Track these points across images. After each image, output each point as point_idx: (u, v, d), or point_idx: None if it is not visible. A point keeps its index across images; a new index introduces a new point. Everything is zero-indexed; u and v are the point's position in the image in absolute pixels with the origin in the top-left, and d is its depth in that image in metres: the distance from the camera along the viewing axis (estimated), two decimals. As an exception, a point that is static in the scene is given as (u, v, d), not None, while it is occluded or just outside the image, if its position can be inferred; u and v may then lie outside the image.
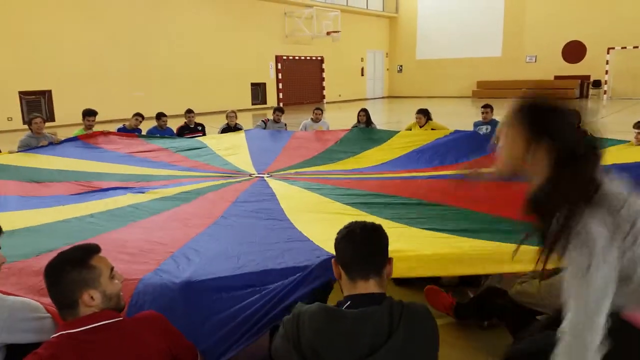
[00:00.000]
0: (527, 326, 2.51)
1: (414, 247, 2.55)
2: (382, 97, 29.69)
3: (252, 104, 21.88)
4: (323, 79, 25.65)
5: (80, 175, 5.24)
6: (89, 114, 7.40)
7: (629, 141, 4.57)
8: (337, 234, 1.85)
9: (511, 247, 2.73)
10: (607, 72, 23.07)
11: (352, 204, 3.88)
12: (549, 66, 24.69)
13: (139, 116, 8.20)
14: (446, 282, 3.41)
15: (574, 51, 24.17)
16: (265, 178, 5.01)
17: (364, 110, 8.27)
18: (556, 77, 24.64)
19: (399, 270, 2.06)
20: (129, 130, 7.89)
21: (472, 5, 26.52)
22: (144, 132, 8.11)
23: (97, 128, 7.39)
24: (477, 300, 2.96)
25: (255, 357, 2.39)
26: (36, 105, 15.02)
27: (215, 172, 5.50)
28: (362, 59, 28.13)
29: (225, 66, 20.11)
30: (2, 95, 14.27)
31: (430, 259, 2.47)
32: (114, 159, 5.99)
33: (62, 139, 6.75)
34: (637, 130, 4.49)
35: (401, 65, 29.97)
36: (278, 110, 9.05)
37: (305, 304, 1.83)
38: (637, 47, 22.10)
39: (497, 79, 25.93)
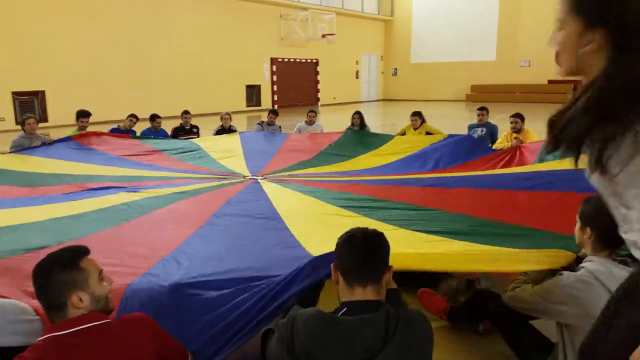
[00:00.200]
0: (520, 331, 2.52)
1: (404, 247, 2.57)
2: (377, 100, 29.73)
3: (247, 106, 21.86)
4: (318, 82, 25.66)
5: (73, 178, 5.22)
6: (83, 115, 7.37)
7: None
8: (339, 238, 1.84)
9: (503, 248, 2.74)
10: (600, 76, 23.21)
11: (345, 207, 3.88)
12: (542, 70, 24.78)
13: (133, 117, 8.17)
14: (446, 290, 3.37)
15: (567, 56, 24.30)
16: (259, 180, 5.00)
17: (358, 113, 8.28)
18: (550, 82, 24.76)
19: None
20: (123, 132, 7.86)
21: (467, 10, 26.64)
22: (138, 134, 8.09)
23: (91, 129, 7.37)
24: (470, 304, 2.95)
25: (246, 359, 2.38)
26: (29, 105, 14.93)
27: (209, 174, 5.49)
28: (357, 62, 28.17)
29: (221, 68, 20.08)
30: (-6, 96, 14.19)
31: (420, 256, 2.48)
32: (106, 161, 5.97)
33: (55, 139, 6.71)
34: None
35: (396, 69, 30.04)
36: (272, 112, 9.05)
37: (300, 306, 1.82)
38: (629, 52, 22.25)
39: (491, 83, 26.06)
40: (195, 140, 7.18)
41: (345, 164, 6.03)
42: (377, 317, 1.66)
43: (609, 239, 2.15)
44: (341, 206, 3.92)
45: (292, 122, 11.33)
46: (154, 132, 8.33)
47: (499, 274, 3.51)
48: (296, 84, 24.20)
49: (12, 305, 2.03)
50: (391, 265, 1.81)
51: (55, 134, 7.46)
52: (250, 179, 5.13)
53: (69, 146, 6.44)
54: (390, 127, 13.60)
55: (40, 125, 7.71)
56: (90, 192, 4.58)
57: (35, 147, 6.24)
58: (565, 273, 2.13)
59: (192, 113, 9.07)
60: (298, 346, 1.67)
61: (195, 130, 8.92)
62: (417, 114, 7.81)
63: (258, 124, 8.94)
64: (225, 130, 8.53)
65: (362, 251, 1.76)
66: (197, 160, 6.20)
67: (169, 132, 8.68)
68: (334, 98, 26.09)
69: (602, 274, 2.02)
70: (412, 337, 1.66)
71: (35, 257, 2.85)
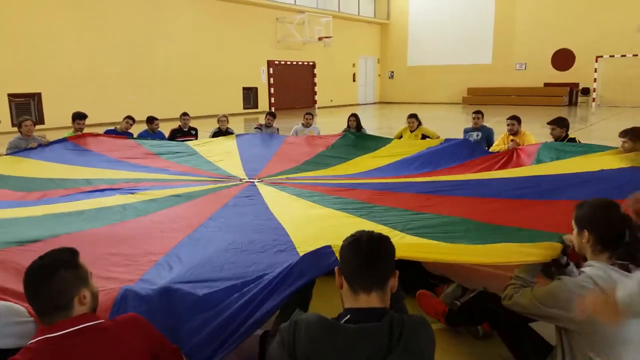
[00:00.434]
0: (519, 334, 2.52)
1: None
2: (374, 103, 29.78)
3: (244, 108, 21.86)
4: (315, 84, 25.69)
5: (70, 183, 5.20)
6: (79, 117, 7.36)
7: (617, 147, 4.61)
8: (343, 241, 1.79)
9: (501, 245, 2.76)
10: (595, 80, 23.32)
11: (341, 210, 3.88)
12: (538, 73, 24.92)
13: (129, 119, 8.14)
14: (444, 296, 3.36)
15: (563, 59, 24.43)
16: (256, 183, 4.99)
17: (354, 116, 8.29)
18: (546, 85, 24.88)
19: None
20: (120, 133, 7.84)
21: (463, 13, 26.73)
22: (135, 135, 8.07)
23: (88, 131, 7.35)
24: (468, 306, 2.95)
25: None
26: (25, 107, 14.90)
27: (205, 177, 5.48)
28: (353, 65, 28.22)
29: (218, 70, 20.08)
30: (-10, 98, 14.15)
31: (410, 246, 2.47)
32: (102, 163, 5.96)
33: (51, 140, 6.69)
34: (623, 139, 4.53)
35: (392, 72, 30.11)
36: (270, 114, 9.05)
37: (299, 309, 1.80)
38: (624, 55, 22.38)
39: (487, 86, 26.14)
40: (192, 145, 7.13)
41: (341, 166, 6.03)
42: (381, 326, 1.63)
43: (607, 240, 2.15)
44: (337, 209, 3.92)
45: (289, 125, 11.33)
46: (151, 134, 8.31)
47: (492, 275, 3.53)
48: (293, 86, 24.22)
49: (5, 308, 2.02)
50: (397, 270, 1.76)
51: (51, 136, 7.44)
52: (247, 181, 5.12)
53: (65, 147, 6.43)
54: (387, 130, 13.64)
55: (37, 127, 7.68)
56: (87, 194, 4.57)
57: (31, 148, 6.23)
58: (564, 278, 2.13)
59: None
60: (299, 351, 1.65)
61: (193, 132, 8.91)
62: (413, 116, 7.83)
63: (256, 127, 8.92)
64: (222, 132, 8.52)
65: (367, 256, 1.71)
66: (194, 162, 6.18)
67: (167, 134, 8.67)
68: (331, 100, 26.12)
69: (601, 279, 2.02)
70: (415, 345, 1.64)
71: (28, 250, 2.87)
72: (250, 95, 22.32)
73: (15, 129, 6.88)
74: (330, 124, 14.48)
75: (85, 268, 1.80)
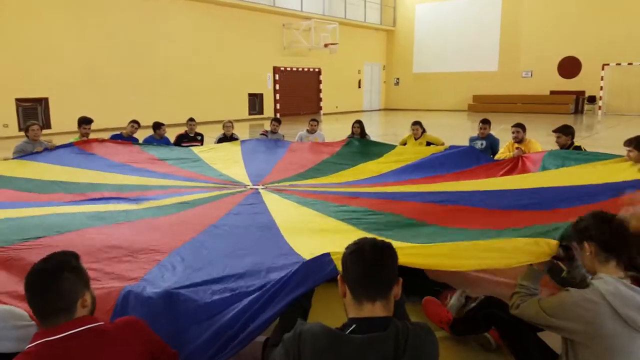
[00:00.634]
0: (525, 341, 2.50)
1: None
2: (379, 110, 29.80)
3: (249, 114, 21.93)
4: (320, 91, 25.74)
5: (76, 187, 5.23)
6: (85, 122, 7.40)
7: (623, 156, 4.59)
8: (346, 249, 1.77)
9: (496, 244, 2.77)
10: (601, 87, 23.25)
11: (344, 220, 3.86)
12: (544, 81, 24.88)
13: (135, 123, 8.17)
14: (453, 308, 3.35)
15: (569, 67, 24.39)
16: (260, 190, 4.99)
17: (359, 122, 8.29)
18: (552, 92, 24.83)
19: None
20: (125, 138, 7.88)
21: (469, 20, 26.76)
22: (140, 141, 8.10)
23: (94, 136, 7.39)
24: (472, 312, 2.93)
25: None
26: (32, 112, 15.00)
27: (210, 183, 5.49)
28: (359, 72, 28.27)
29: (224, 76, 20.17)
30: (-2, 102, 14.26)
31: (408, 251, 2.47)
32: (109, 168, 5.98)
33: (57, 145, 6.74)
34: (627, 148, 4.51)
35: (398, 78, 30.14)
36: (275, 120, 9.07)
37: (294, 314, 1.79)
38: (631, 63, 22.31)
39: (493, 93, 26.11)
40: (196, 151, 7.14)
41: (345, 172, 6.02)
42: (387, 336, 1.62)
43: (609, 246, 2.14)
44: (341, 219, 3.90)
45: (294, 131, 11.36)
46: (157, 139, 8.35)
47: (493, 282, 3.52)
48: (299, 92, 24.28)
49: (6, 312, 2.03)
50: (400, 278, 1.75)
51: (58, 141, 7.49)
52: (251, 188, 5.13)
53: (71, 152, 6.46)
54: (392, 137, 13.63)
55: (44, 131, 7.75)
56: (92, 202, 4.60)
57: (37, 152, 6.28)
58: (572, 289, 2.12)
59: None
60: None
61: (199, 137, 8.93)
62: (417, 124, 7.83)
63: (262, 134, 8.94)
64: (227, 138, 8.55)
65: (370, 264, 1.69)
66: (198, 168, 6.20)
67: (173, 139, 8.71)
68: (336, 107, 26.16)
69: (610, 294, 2.00)
70: (420, 353, 1.63)
71: (33, 246, 2.89)
72: (255, 101, 22.40)
73: (23, 133, 6.93)
74: (335, 131, 14.49)
75: (86, 271, 1.81)
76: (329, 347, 1.62)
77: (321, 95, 25.76)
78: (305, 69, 24.68)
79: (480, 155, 6.26)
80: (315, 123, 8.96)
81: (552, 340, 2.45)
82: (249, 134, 15.43)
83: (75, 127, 7.61)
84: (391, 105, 30.13)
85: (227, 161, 6.61)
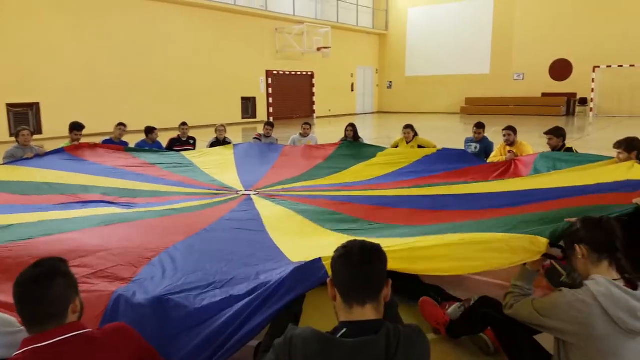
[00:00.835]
0: (519, 342, 2.51)
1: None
2: (372, 113, 29.87)
3: (242, 118, 21.91)
4: (313, 94, 25.78)
5: (66, 188, 5.20)
6: (77, 128, 7.36)
7: (614, 158, 4.62)
8: (335, 252, 1.77)
9: (478, 234, 2.78)
10: (592, 90, 23.43)
11: (338, 230, 3.84)
12: (536, 83, 25.04)
13: (122, 125, 8.14)
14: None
15: (560, 69, 24.56)
16: (252, 196, 4.96)
17: (352, 126, 8.28)
18: (544, 95, 24.99)
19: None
20: (116, 143, 7.85)
21: (461, 23, 26.91)
22: (132, 145, 8.07)
23: (85, 141, 7.34)
24: (468, 312, 2.92)
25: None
26: (23, 117, 14.92)
27: (202, 188, 5.46)
28: (352, 75, 28.34)
29: (216, 80, 20.16)
30: (-11, 107, 14.17)
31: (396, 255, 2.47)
32: (100, 172, 5.94)
33: (48, 151, 6.69)
34: (617, 150, 4.54)
35: (391, 82, 30.24)
36: (268, 124, 9.05)
37: (292, 324, 1.78)
38: (621, 66, 22.51)
39: (486, 96, 26.24)
40: (188, 156, 7.10)
41: (338, 176, 6.01)
42: (378, 339, 1.61)
43: (600, 246, 2.15)
44: (335, 229, 3.87)
45: (287, 134, 11.35)
46: (149, 144, 8.32)
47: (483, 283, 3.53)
48: (292, 96, 24.31)
49: None
50: (389, 279, 1.74)
51: (49, 146, 7.45)
52: (243, 194, 5.10)
53: (61, 157, 6.42)
54: (385, 139, 13.65)
55: (35, 137, 7.70)
56: (82, 205, 4.57)
57: (27, 158, 6.23)
58: (565, 290, 2.13)
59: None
60: None
61: (191, 141, 8.91)
62: (409, 127, 7.79)
63: (255, 137, 8.91)
64: (219, 142, 8.53)
65: (358, 267, 1.69)
66: (191, 174, 6.16)
67: (165, 144, 8.67)
68: (329, 110, 26.20)
69: (602, 295, 2.01)
70: (412, 356, 1.63)
71: (20, 247, 2.86)
72: (248, 105, 22.39)
73: (13, 139, 6.87)
74: (328, 134, 14.50)
75: (75, 276, 1.80)
76: (320, 352, 1.61)
77: (314, 98, 25.79)
78: (298, 73, 24.71)
79: (472, 159, 6.28)
80: (308, 127, 8.95)
81: (546, 341, 2.45)
82: (242, 137, 15.41)
83: (67, 132, 7.56)
84: (384, 109, 30.21)
85: (220, 166, 6.58)
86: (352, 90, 28.59)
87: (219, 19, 20.16)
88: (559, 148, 5.88)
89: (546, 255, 2.53)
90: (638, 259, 2.29)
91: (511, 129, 6.56)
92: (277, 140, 9.02)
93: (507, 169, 5.61)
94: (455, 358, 2.88)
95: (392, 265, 2.20)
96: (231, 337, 2.11)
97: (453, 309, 3.12)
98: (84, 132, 7.52)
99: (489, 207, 4.04)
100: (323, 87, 25.78)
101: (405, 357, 1.60)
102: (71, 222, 3.76)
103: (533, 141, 7.62)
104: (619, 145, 4.53)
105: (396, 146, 7.89)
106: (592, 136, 15.90)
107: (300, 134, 8.89)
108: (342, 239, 3.58)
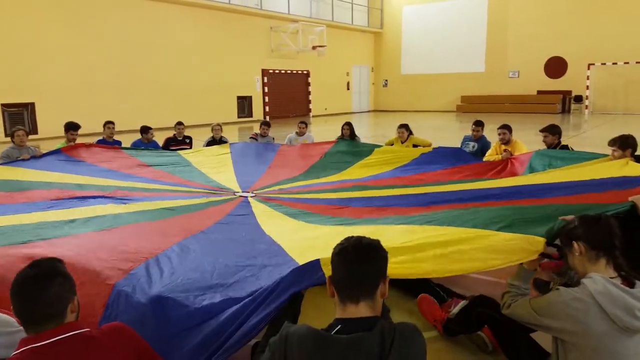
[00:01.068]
0: (516, 340, 2.52)
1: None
2: (368, 111, 29.88)
3: (238, 117, 21.88)
4: (309, 93, 25.76)
5: (62, 186, 5.19)
6: (72, 127, 7.33)
7: (608, 155, 4.65)
8: (334, 248, 1.77)
9: (479, 231, 2.82)
10: (588, 87, 23.51)
11: (335, 225, 3.85)
12: (531, 81, 25.10)
13: (110, 124, 8.12)
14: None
15: (555, 67, 24.63)
16: (249, 198, 4.95)
17: (348, 124, 8.29)
18: (539, 92, 25.05)
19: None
20: (111, 143, 7.83)
21: (456, 22, 26.94)
22: (128, 145, 8.06)
23: (81, 141, 7.32)
24: (465, 311, 2.92)
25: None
26: (19, 117, 14.85)
27: (199, 189, 5.45)
28: (347, 74, 28.34)
29: (212, 79, 20.11)
30: (-17, 108, 14.10)
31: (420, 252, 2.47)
32: (97, 174, 5.93)
33: (44, 152, 6.67)
34: (612, 148, 4.56)
35: (386, 80, 30.25)
36: (264, 124, 9.04)
37: (289, 322, 1.78)
38: (616, 63, 22.59)
39: (481, 94, 26.29)
40: (185, 155, 7.09)
41: (335, 177, 6.01)
42: (372, 336, 1.61)
43: (598, 243, 2.16)
44: (332, 224, 3.89)
45: (283, 133, 11.35)
46: (145, 143, 8.30)
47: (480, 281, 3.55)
48: (287, 95, 24.28)
49: None
50: (387, 276, 1.73)
51: (45, 146, 7.42)
52: (240, 195, 5.08)
53: (58, 158, 6.40)
54: (381, 138, 13.66)
55: (30, 137, 7.65)
56: (78, 201, 4.56)
57: (23, 159, 6.20)
58: (562, 289, 2.13)
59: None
60: None
61: (187, 140, 8.90)
62: (403, 127, 7.72)
63: (251, 137, 8.90)
64: (216, 141, 8.52)
65: (352, 266, 1.68)
66: (187, 174, 6.15)
67: (161, 143, 8.66)
68: (325, 109, 26.19)
69: (599, 293, 2.01)
70: (406, 353, 1.62)
71: (17, 250, 2.86)
72: (244, 104, 22.36)
73: (9, 139, 6.84)
74: (324, 132, 14.50)
75: (72, 276, 1.80)
76: (315, 348, 1.61)
77: (310, 97, 25.77)
78: (294, 72, 24.69)
79: (468, 157, 6.30)
80: (304, 125, 8.95)
81: (544, 339, 2.46)
82: (238, 136, 15.38)
83: (62, 132, 7.53)
84: (380, 107, 30.23)
85: (216, 165, 6.57)
86: (348, 89, 28.59)
87: (214, 18, 20.10)
88: (555, 145, 5.90)
89: (543, 255, 2.55)
90: (634, 257, 2.30)
91: (506, 128, 6.57)
92: (273, 139, 9.01)
93: (502, 167, 5.63)
94: (453, 356, 2.88)
95: (394, 271, 2.22)
96: (230, 337, 2.11)
97: (459, 307, 3.10)
98: (80, 131, 7.49)
99: (484, 201, 4.07)
100: (319, 86, 25.77)
101: (400, 354, 1.60)
102: (68, 227, 3.73)
103: (529, 139, 7.66)
104: (613, 142, 4.55)
105: (391, 144, 7.89)
106: (588, 133, 15.97)
107: (297, 132, 8.89)
108: (337, 227, 3.62)
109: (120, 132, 9.52)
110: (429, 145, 7.31)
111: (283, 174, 6.09)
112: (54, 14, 15.34)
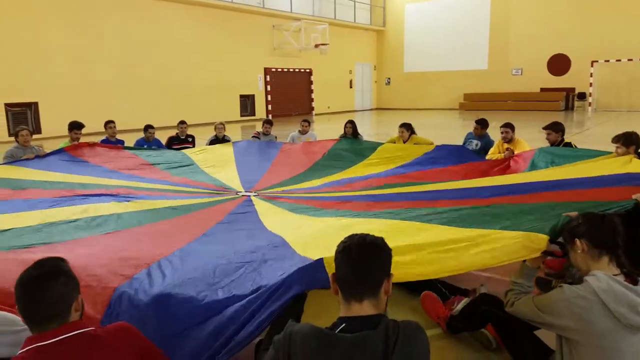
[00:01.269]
0: (520, 337, 2.52)
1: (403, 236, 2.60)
2: (371, 109, 29.86)
3: (241, 116, 21.90)
4: (312, 91, 25.76)
5: (65, 185, 5.22)
6: (76, 127, 7.35)
7: (612, 152, 4.63)
8: (337, 246, 1.76)
9: (483, 231, 2.84)
10: (591, 84, 23.43)
11: (338, 217, 3.88)
12: (534, 79, 25.03)
13: (110, 123, 8.14)
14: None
15: (558, 64, 24.55)
16: (252, 197, 4.96)
17: (351, 122, 8.27)
18: (542, 90, 24.98)
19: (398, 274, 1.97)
20: (112, 142, 7.84)
21: (458, 19, 26.87)
22: (131, 144, 8.08)
23: (84, 140, 7.35)
24: (468, 308, 2.92)
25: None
26: (22, 117, 14.89)
27: (202, 188, 5.46)
28: (350, 72, 28.31)
29: (215, 78, 20.13)
30: (-13, 108, 14.15)
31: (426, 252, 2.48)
32: (100, 173, 5.95)
33: (48, 151, 6.69)
34: (615, 144, 4.55)
35: (389, 78, 30.22)
36: (267, 122, 9.04)
37: (293, 321, 1.78)
38: (619, 60, 22.51)
39: (484, 92, 26.23)
40: (188, 154, 7.09)
41: (338, 175, 6.01)
42: (377, 334, 1.61)
43: (601, 240, 2.16)
44: (333, 217, 3.91)
45: (286, 132, 11.35)
46: (147, 142, 8.32)
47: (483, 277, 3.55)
48: (290, 93, 24.28)
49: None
50: (391, 274, 1.73)
51: (48, 146, 7.45)
52: (243, 195, 5.09)
53: (62, 158, 6.42)
54: (384, 136, 13.63)
55: (34, 136, 7.69)
56: (82, 199, 4.58)
57: (27, 159, 6.23)
58: (566, 286, 2.13)
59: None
60: None
61: (190, 139, 8.92)
62: (404, 126, 7.62)
63: (254, 136, 8.91)
64: (219, 140, 8.53)
65: (356, 264, 1.68)
66: (190, 174, 6.15)
67: (164, 142, 8.68)
68: (328, 107, 26.18)
69: (603, 290, 2.01)
70: (410, 351, 1.62)
71: (20, 254, 2.87)
72: (247, 103, 22.37)
73: (12, 139, 6.87)
74: (327, 131, 14.50)
75: (75, 275, 1.81)
76: (319, 347, 1.61)
77: (313, 95, 25.77)
78: (296, 70, 24.68)
79: (471, 155, 6.28)
80: (307, 124, 8.95)
81: (547, 337, 2.47)
82: (241, 135, 15.40)
83: (65, 131, 7.56)
84: (383, 105, 30.20)
85: (219, 164, 6.57)
86: (351, 87, 28.57)
87: (216, 16, 20.11)
88: (558, 143, 5.89)
89: (546, 252, 2.54)
90: (637, 254, 2.30)
91: (509, 126, 6.54)
92: (276, 137, 9.02)
93: (506, 166, 5.62)
94: (457, 353, 2.89)
95: (400, 271, 2.23)
96: (233, 335, 2.12)
97: (463, 304, 3.12)
98: (83, 131, 7.51)
99: (488, 197, 4.09)
100: (321, 84, 25.76)
101: (403, 352, 1.60)
102: (71, 228, 3.73)
103: (532, 136, 7.64)
104: (617, 139, 4.54)
105: (393, 143, 7.86)
106: (591, 131, 15.91)
107: (299, 131, 8.89)
108: (340, 220, 3.64)
109: (124, 131, 9.54)
110: (431, 144, 7.29)
111: (286, 172, 6.09)
112: (55, 13, 15.37)
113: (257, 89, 22.72)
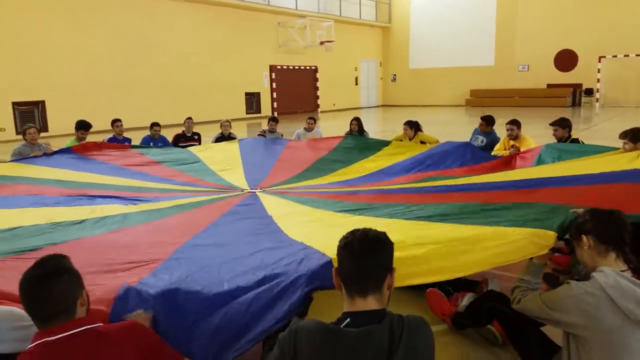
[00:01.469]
0: (526, 334, 2.51)
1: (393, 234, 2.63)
2: (377, 106, 29.81)
3: (247, 113, 21.93)
4: (317, 88, 25.75)
5: (73, 184, 5.25)
6: (83, 127, 7.34)
7: (620, 148, 4.61)
8: (339, 241, 1.76)
9: (489, 228, 2.81)
10: (598, 80, 23.28)
11: (341, 211, 3.89)
12: (541, 75, 24.90)
13: (118, 121, 8.18)
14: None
15: (566, 60, 24.40)
16: (258, 193, 4.99)
17: (357, 119, 8.26)
18: (549, 86, 24.85)
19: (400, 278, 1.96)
20: (120, 141, 7.87)
21: (464, 15, 26.76)
22: (138, 141, 8.11)
23: (91, 138, 7.38)
24: (474, 305, 2.92)
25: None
26: (29, 115, 14.99)
27: (208, 187, 5.48)
28: (355, 69, 28.27)
29: (220, 76, 20.16)
30: (-5, 106, 14.24)
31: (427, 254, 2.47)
32: (107, 171, 5.98)
33: (55, 149, 6.73)
34: (623, 140, 4.53)
35: (395, 75, 30.15)
36: (272, 119, 9.06)
37: (297, 318, 1.78)
38: (627, 55, 22.33)
39: (490, 88, 26.12)
40: (194, 151, 7.11)
41: (343, 172, 6.01)
42: (381, 328, 1.61)
43: (608, 237, 2.15)
44: (337, 210, 3.92)
45: (291, 129, 11.36)
46: (153, 139, 8.35)
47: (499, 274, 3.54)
48: (295, 90, 24.28)
49: (6, 313, 2.04)
50: (394, 268, 1.73)
51: (55, 144, 7.48)
52: (248, 192, 5.12)
53: (69, 156, 6.46)
54: (389, 133, 13.61)
55: (41, 135, 7.73)
56: (89, 200, 4.60)
57: (35, 156, 6.27)
58: (573, 283, 2.12)
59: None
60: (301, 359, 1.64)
61: (196, 137, 8.94)
62: (409, 123, 7.51)
63: (260, 134, 8.91)
64: (224, 137, 8.55)
65: (359, 260, 1.68)
66: (197, 172, 6.18)
67: (171, 139, 8.71)
68: (334, 104, 26.16)
69: (610, 287, 2.00)
70: (415, 345, 1.63)
71: (28, 258, 2.89)
72: (252, 100, 22.39)
73: (20, 137, 6.92)
74: (333, 128, 14.50)
75: (77, 271, 1.83)
76: (325, 342, 1.62)
77: (318, 93, 25.76)
78: (302, 67, 24.67)
79: (477, 151, 6.25)
80: (313, 121, 8.95)
81: (554, 333, 2.46)
82: (247, 133, 15.43)
83: (72, 129, 7.56)
84: (389, 102, 30.14)
85: (226, 161, 6.59)
86: (356, 84, 28.53)
87: (221, 14, 20.13)
88: (565, 139, 5.85)
89: (553, 249, 2.53)
90: None
91: (515, 123, 6.49)
92: (281, 135, 9.03)
93: (512, 164, 5.59)
94: (462, 349, 2.89)
95: (406, 270, 2.22)
96: (242, 330, 2.12)
97: (467, 299, 3.12)
98: (90, 128, 7.54)
99: (492, 191, 4.09)
100: (327, 81, 25.74)
101: (408, 347, 1.60)
102: (77, 229, 3.75)
103: (538, 132, 7.61)
104: (624, 135, 4.52)
105: (399, 141, 7.82)
106: (598, 127, 15.81)
107: (305, 128, 8.89)
108: (345, 217, 3.64)
109: (130, 129, 9.57)
110: (437, 142, 7.26)
111: (291, 168, 6.10)
112: (62, 13, 15.44)
113: (263, 86, 22.74)
